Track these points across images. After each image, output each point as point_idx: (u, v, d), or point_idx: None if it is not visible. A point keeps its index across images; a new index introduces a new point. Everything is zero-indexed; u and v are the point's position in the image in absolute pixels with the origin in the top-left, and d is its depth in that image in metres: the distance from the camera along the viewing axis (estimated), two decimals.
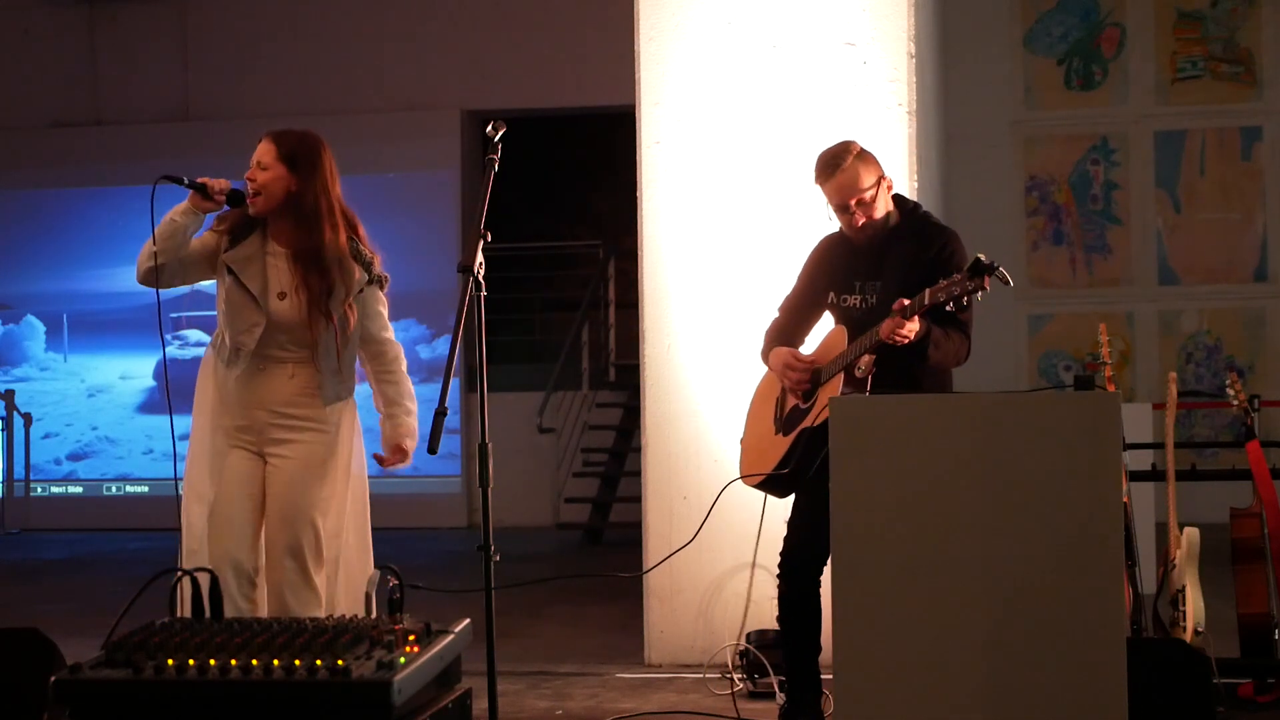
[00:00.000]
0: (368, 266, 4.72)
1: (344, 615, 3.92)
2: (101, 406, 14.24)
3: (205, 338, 12.31)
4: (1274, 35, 12.26)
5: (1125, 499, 4.95)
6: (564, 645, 6.78)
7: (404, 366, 4.94)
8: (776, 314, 4.86)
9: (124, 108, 14.19)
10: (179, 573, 3.75)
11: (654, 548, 6.06)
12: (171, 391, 4.69)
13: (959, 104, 12.01)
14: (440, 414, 3.98)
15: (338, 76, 13.73)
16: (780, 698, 5.22)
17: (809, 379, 4.59)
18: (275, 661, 3.17)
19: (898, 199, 4.68)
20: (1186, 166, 12.32)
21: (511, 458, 10.72)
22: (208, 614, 3.60)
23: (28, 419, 14.11)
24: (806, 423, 4.51)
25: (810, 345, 4.78)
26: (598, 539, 12.07)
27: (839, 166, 4.55)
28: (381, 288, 4.79)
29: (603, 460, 12.72)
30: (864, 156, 4.59)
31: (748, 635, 5.59)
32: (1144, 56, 12.36)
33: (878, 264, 4.57)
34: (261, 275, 4.62)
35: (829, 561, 3.72)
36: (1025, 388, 11.02)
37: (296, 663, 3.16)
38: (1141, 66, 12.36)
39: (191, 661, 3.18)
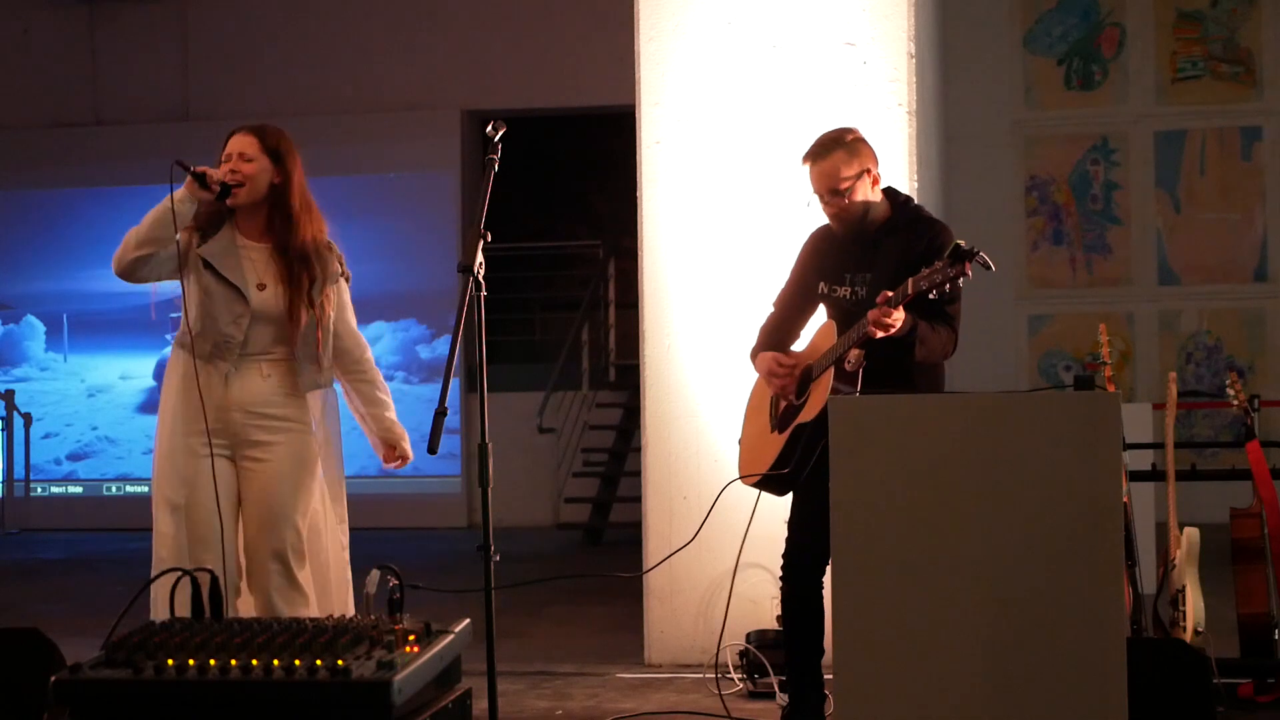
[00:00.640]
0: (340, 259, 4.74)
1: (343, 615, 3.91)
2: (101, 406, 14.24)
3: None
4: (1274, 35, 12.26)
5: (1125, 499, 4.95)
6: (564, 645, 6.78)
7: (373, 359, 4.91)
8: (771, 308, 4.86)
9: (124, 108, 14.19)
10: (179, 573, 3.74)
11: (654, 548, 6.06)
12: None
13: (959, 104, 12.02)
14: (440, 414, 3.98)
15: (338, 76, 13.73)
16: (780, 698, 5.22)
17: (793, 384, 4.59)
18: (275, 661, 3.17)
19: (890, 192, 4.65)
20: (1186, 166, 12.32)
21: (511, 458, 10.74)
22: (207, 614, 3.59)
23: (28, 419, 14.11)
24: (800, 419, 4.51)
25: (804, 340, 4.79)
26: (598, 539, 12.07)
27: (822, 154, 4.55)
28: (346, 282, 4.81)
29: (603, 460, 12.72)
30: (854, 146, 4.55)
31: (748, 635, 5.59)
32: (1144, 56, 12.36)
33: (868, 256, 4.56)
34: (238, 268, 4.59)
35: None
36: (1025, 388, 11.02)
37: (296, 663, 3.16)
38: (1141, 66, 12.37)
39: (191, 661, 3.18)
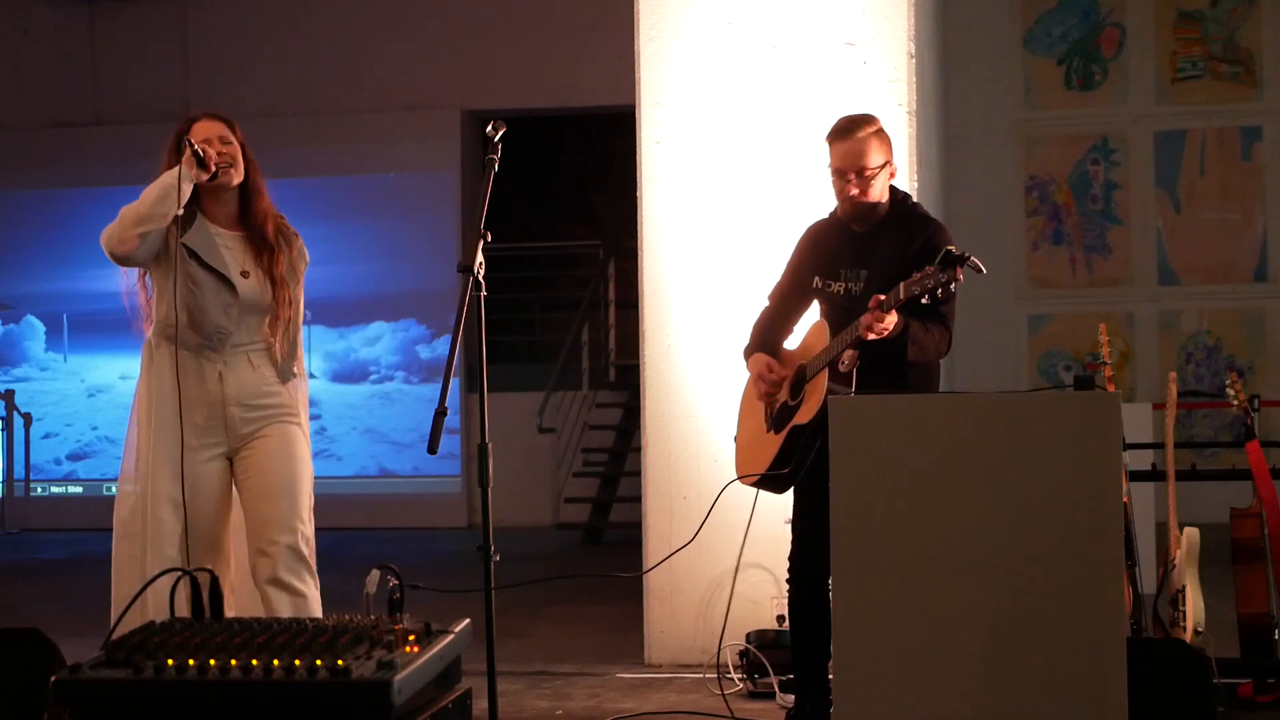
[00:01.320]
0: (303, 249, 4.73)
1: (343, 615, 3.90)
2: (101, 406, 14.24)
3: None
4: (1274, 35, 12.26)
5: (1125, 499, 4.95)
6: (564, 645, 6.78)
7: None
8: (766, 302, 4.86)
9: (124, 108, 14.19)
10: (179, 573, 3.74)
11: (654, 548, 6.06)
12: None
13: (959, 104, 12.01)
14: (440, 414, 3.98)
15: (338, 76, 13.73)
16: (781, 698, 5.23)
17: (780, 391, 4.60)
18: (275, 661, 3.17)
19: (889, 189, 4.67)
20: (1186, 166, 12.32)
21: (511, 458, 10.72)
22: (207, 614, 3.59)
23: (28, 419, 14.12)
24: (797, 420, 4.51)
25: (797, 337, 4.79)
26: (598, 539, 12.07)
27: (854, 133, 4.54)
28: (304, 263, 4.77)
29: (603, 460, 12.72)
30: (881, 135, 4.58)
31: (748, 635, 5.59)
32: (1144, 56, 12.36)
33: (864, 252, 4.57)
34: (221, 258, 4.56)
35: None
36: (1025, 388, 11.02)
37: (296, 663, 3.16)
38: (1141, 66, 12.36)
39: (191, 661, 3.18)
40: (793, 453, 4.50)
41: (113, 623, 3.97)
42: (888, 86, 6.01)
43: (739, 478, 4.76)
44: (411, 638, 3.35)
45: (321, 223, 12.49)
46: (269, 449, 4.56)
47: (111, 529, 4.70)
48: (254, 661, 3.17)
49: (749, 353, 4.79)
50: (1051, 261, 12.40)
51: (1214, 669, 4.63)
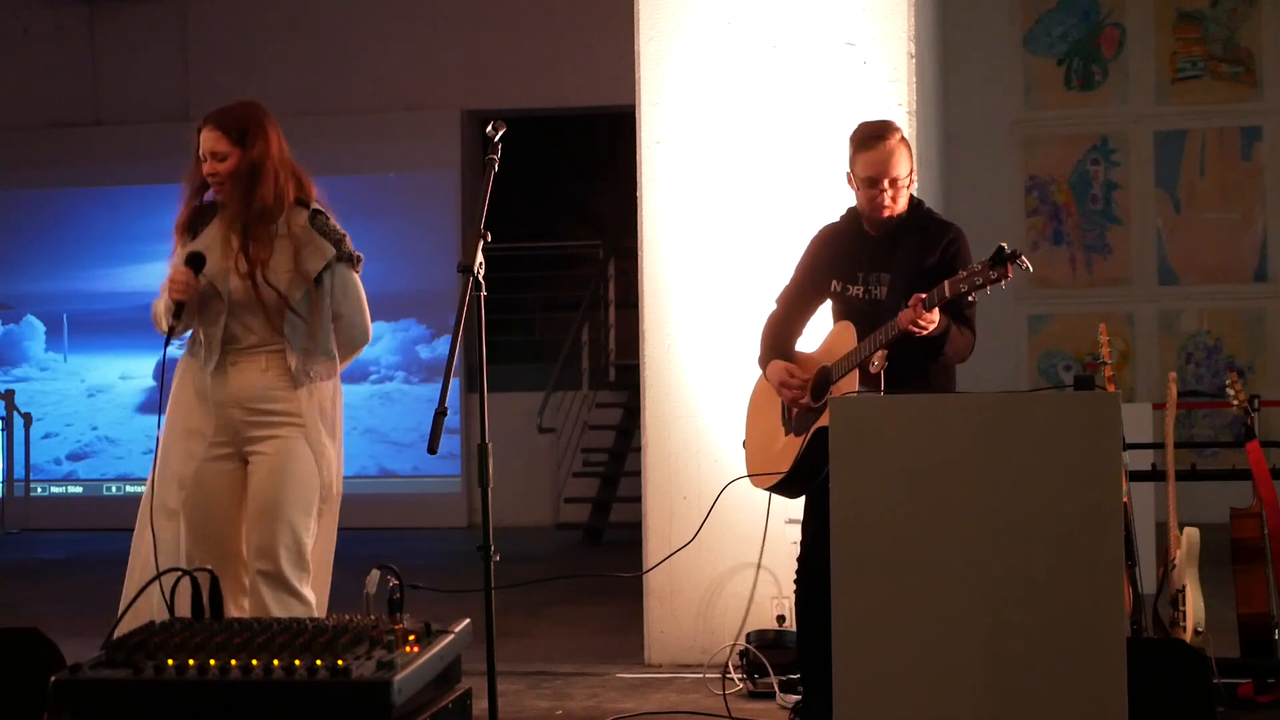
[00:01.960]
0: (337, 242, 4.60)
1: (343, 615, 3.90)
2: (101, 406, 14.24)
3: None
4: (1274, 35, 12.26)
5: (1125, 499, 4.95)
6: (564, 645, 6.78)
7: (356, 353, 4.72)
8: (774, 305, 4.83)
9: (124, 108, 14.19)
10: (179, 573, 3.74)
11: (654, 548, 6.06)
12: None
13: (959, 104, 12.01)
14: (440, 414, 3.98)
15: (338, 76, 13.73)
16: (780, 698, 5.23)
17: (805, 396, 4.57)
18: (275, 661, 3.17)
19: None
20: (1186, 166, 12.32)
21: (511, 458, 10.73)
22: (207, 614, 3.59)
23: (28, 419, 14.12)
24: (822, 423, 4.47)
25: (809, 340, 4.77)
26: (598, 539, 12.07)
27: (885, 140, 4.52)
28: (353, 266, 4.65)
29: (603, 460, 12.72)
30: (905, 142, 4.58)
31: (748, 635, 5.59)
32: (1144, 56, 12.36)
33: (884, 256, 4.54)
34: (218, 260, 4.53)
35: None
36: (1025, 388, 11.02)
37: (296, 663, 3.16)
38: (1141, 66, 12.37)
39: (191, 661, 3.18)
40: (820, 456, 4.47)
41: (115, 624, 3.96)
42: (888, 86, 6.01)
43: (751, 478, 4.71)
44: (411, 638, 3.35)
45: None
46: (261, 467, 4.51)
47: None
48: (254, 661, 3.17)
49: (764, 360, 4.74)
50: (1051, 261, 12.40)
51: (1214, 669, 4.64)
